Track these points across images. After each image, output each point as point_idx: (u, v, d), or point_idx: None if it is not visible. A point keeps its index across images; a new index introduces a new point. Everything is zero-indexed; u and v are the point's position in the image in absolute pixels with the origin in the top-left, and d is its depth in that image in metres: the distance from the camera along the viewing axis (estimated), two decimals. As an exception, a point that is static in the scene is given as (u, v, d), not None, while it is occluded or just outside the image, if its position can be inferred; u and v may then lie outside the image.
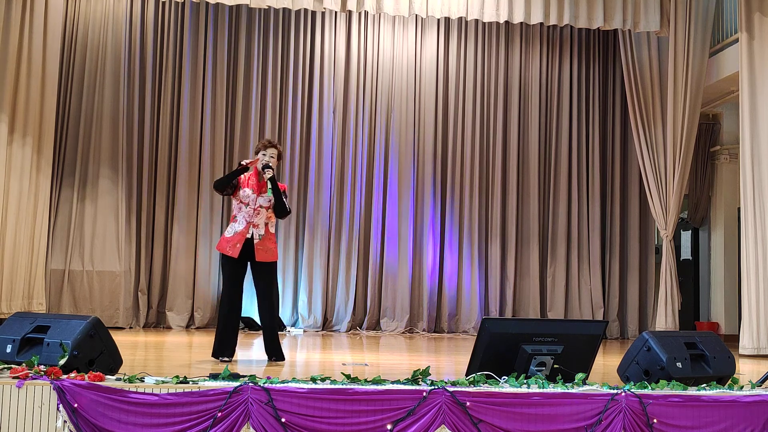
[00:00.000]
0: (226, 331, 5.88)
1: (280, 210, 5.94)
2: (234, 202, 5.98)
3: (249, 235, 5.87)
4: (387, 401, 3.74)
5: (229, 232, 5.93)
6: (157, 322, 9.69)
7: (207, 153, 9.90)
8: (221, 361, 5.77)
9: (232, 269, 5.91)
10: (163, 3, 9.88)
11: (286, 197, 6.02)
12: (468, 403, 3.76)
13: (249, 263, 5.96)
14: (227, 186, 5.92)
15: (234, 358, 5.97)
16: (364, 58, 10.34)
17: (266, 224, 5.95)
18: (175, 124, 9.93)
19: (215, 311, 9.78)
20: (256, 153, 6.02)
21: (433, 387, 3.82)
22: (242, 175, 5.98)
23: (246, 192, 5.91)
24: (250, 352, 6.98)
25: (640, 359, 4.57)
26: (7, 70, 8.23)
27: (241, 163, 5.93)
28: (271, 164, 5.90)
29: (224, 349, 5.85)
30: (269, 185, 5.86)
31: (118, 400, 3.66)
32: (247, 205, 5.90)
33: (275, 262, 6.04)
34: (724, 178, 10.58)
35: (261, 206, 5.91)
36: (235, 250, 5.85)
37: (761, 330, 7.92)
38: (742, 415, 3.96)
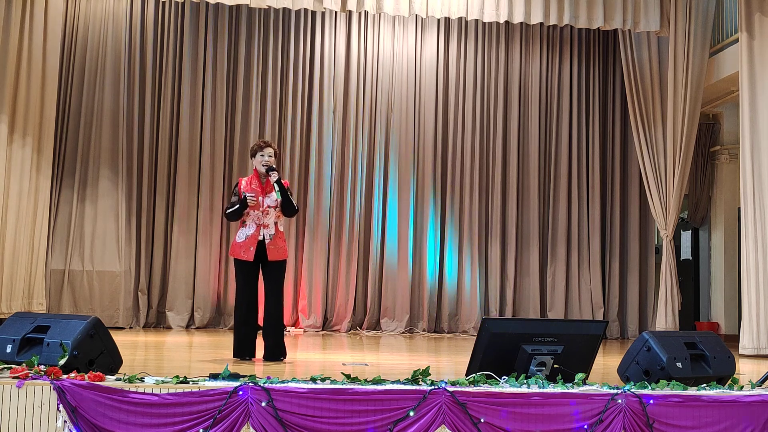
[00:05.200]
0: (247, 332, 5.96)
1: (288, 209, 6.00)
2: None
3: (260, 238, 5.94)
4: (387, 401, 3.74)
5: (240, 237, 5.98)
6: (157, 322, 9.68)
7: (207, 153, 9.90)
8: (242, 359, 5.88)
9: (247, 272, 6.00)
10: (163, 3, 9.87)
11: (292, 194, 6.06)
12: (468, 403, 3.76)
13: (261, 263, 6.01)
14: (238, 217, 5.98)
15: (227, 358, 5.98)
16: (364, 58, 10.34)
17: (275, 223, 6.00)
18: (175, 124, 9.93)
19: (215, 311, 9.80)
20: (252, 154, 6.06)
21: (433, 387, 3.82)
22: (243, 181, 6.02)
23: (251, 196, 5.93)
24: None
25: (640, 359, 4.57)
26: (7, 70, 8.23)
27: (246, 197, 5.90)
28: (273, 165, 5.95)
29: (246, 349, 5.94)
30: (276, 188, 5.88)
31: (118, 400, 3.66)
32: (255, 208, 5.93)
33: (286, 260, 6.12)
34: (724, 178, 10.58)
35: (269, 206, 5.96)
36: (249, 254, 5.93)
37: (761, 330, 7.91)
38: (742, 415, 3.96)
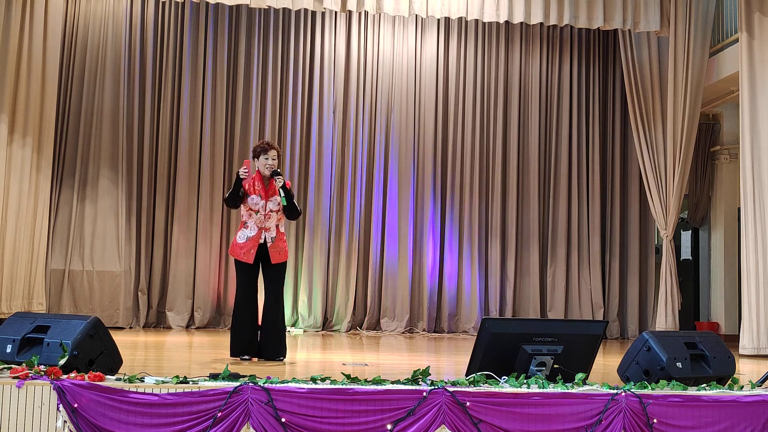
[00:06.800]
0: (247, 332, 5.96)
1: (293, 213, 6.02)
2: (243, 209, 6.03)
3: (262, 241, 5.96)
4: (387, 401, 3.74)
5: (241, 238, 5.98)
6: (157, 322, 9.68)
7: (207, 153, 9.90)
8: (242, 359, 5.88)
9: (246, 273, 6.02)
10: (163, 3, 9.87)
11: (293, 196, 6.07)
12: (468, 403, 3.76)
13: (262, 264, 6.02)
14: (237, 199, 5.99)
15: (227, 358, 5.97)
16: (364, 58, 10.34)
17: (277, 226, 6.02)
18: (175, 124, 9.93)
19: (215, 311, 9.80)
20: (256, 155, 6.05)
21: (433, 387, 3.82)
22: (247, 183, 6.02)
23: (254, 199, 5.96)
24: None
25: (640, 359, 4.57)
26: (7, 70, 8.23)
27: (239, 173, 5.93)
28: (279, 170, 5.97)
29: (245, 348, 5.94)
30: (282, 193, 5.89)
31: (118, 400, 3.66)
32: (257, 211, 5.95)
33: (287, 262, 6.14)
34: (724, 178, 10.58)
35: (271, 210, 5.98)
36: (249, 256, 5.94)
37: (761, 330, 7.91)
38: (742, 415, 3.96)
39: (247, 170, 5.93)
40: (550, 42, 10.66)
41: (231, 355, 5.95)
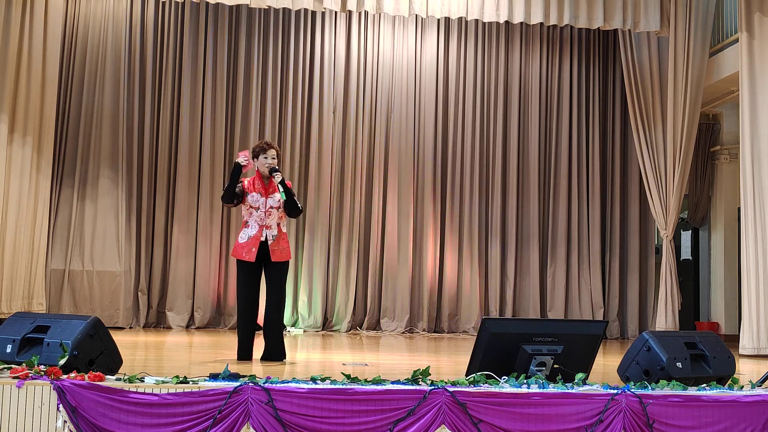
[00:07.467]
0: (248, 333, 5.96)
1: (293, 210, 6.00)
2: (243, 208, 6.03)
3: (263, 238, 5.94)
4: (387, 401, 3.74)
5: (242, 238, 5.98)
6: (157, 322, 9.69)
7: (207, 153, 9.90)
8: (246, 361, 5.87)
9: (248, 273, 5.99)
10: (163, 3, 9.88)
11: (294, 194, 6.07)
12: (468, 403, 3.76)
13: (263, 264, 6.01)
14: (233, 194, 5.96)
15: (227, 358, 5.98)
16: (364, 58, 10.34)
17: (278, 224, 6.02)
18: (175, 124, 9.93)
19: (215, 311, 9.80)
20: (255, 155, 6.05)
21: (433, 387, 3.82)
22: (246, 182, 6.02)
23: (254, 197, 5.96)
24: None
25: (640, 359, 4.57)
26: (7, 70, 8.23)
27: (237, 161, 5.93)
28: (277, 167, 5.96)
29: (248, 351, 5.95)
30: (281, 189, 5.88)
31: (118, 400, 3.66)
32: (258, 209, 5.95)
33: (288, 261, 6.12)
34: (724, 178, 10.58)
35: (271, 207, 5.97)
36: (251, 255, 5.93)
37: (761, 330, 7.91)
38: (742, 415, 3.96)
39: (246, 158, 5.90)
40: (550, 42, 10.66)
41: (238, 359, 5.93)
